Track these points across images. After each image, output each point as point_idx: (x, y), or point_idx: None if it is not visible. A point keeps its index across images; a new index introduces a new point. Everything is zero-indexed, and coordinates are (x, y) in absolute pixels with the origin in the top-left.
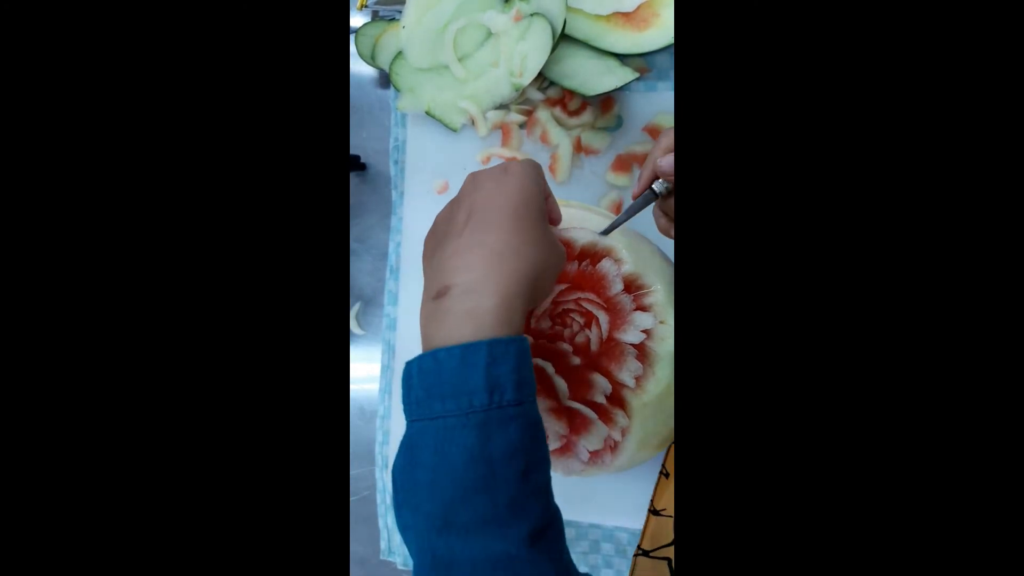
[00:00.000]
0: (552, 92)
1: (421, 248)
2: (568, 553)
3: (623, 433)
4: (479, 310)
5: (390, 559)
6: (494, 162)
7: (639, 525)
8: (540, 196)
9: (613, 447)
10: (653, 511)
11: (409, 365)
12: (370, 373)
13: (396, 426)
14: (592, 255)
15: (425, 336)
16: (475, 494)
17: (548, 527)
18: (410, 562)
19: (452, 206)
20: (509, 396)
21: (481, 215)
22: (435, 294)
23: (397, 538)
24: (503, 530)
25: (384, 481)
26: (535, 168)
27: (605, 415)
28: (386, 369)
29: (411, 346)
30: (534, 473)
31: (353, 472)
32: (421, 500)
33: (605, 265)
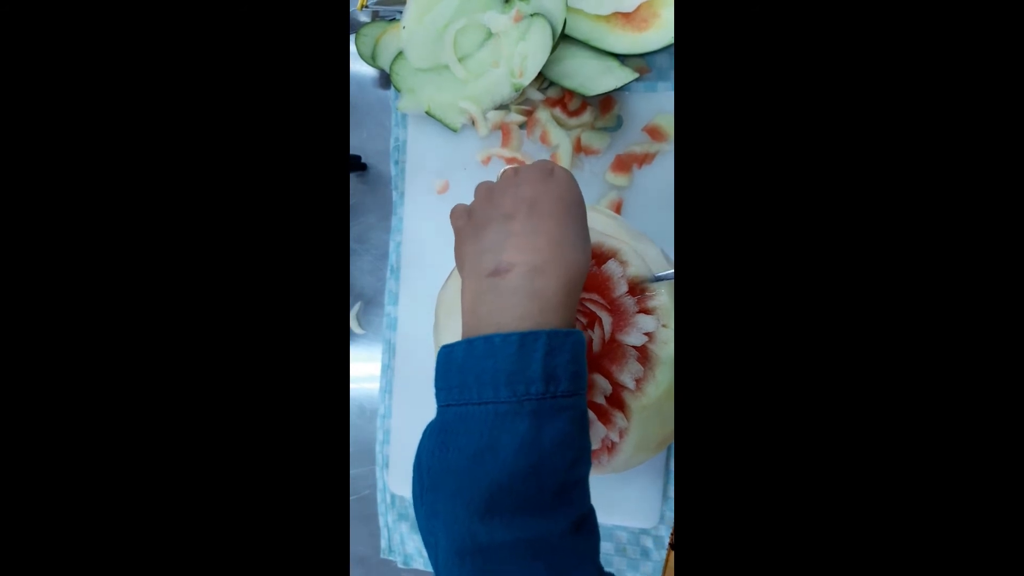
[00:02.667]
0: (552, 92)
1: (422, 248)
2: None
3: (621, 435)
4: (546, 291)
5: (390, 558)
6: (494, 162)
7: (639, 524)
8: (583, 199)
9: (610, 448)
10: (672, 546)
11: (451, 349)
12: (370, 372)
13: (396, 425)
14: (598, 256)
15: (475, 314)
16: (523, 481)
17: (587, 518)
18: (411, 561)
19: (491, 194)
20: (564, 387)
21: (538, 205)
22: (491, 271)
23: (397, 537)
24: (547, 518)
25: (384, 480)
26: (572, 175)
27: (604, 416)
28: (386, 368)
29: (412, 346)
30: (579, 464)
31: (353, 471)
32: (461, 485)
33: (610, 266)
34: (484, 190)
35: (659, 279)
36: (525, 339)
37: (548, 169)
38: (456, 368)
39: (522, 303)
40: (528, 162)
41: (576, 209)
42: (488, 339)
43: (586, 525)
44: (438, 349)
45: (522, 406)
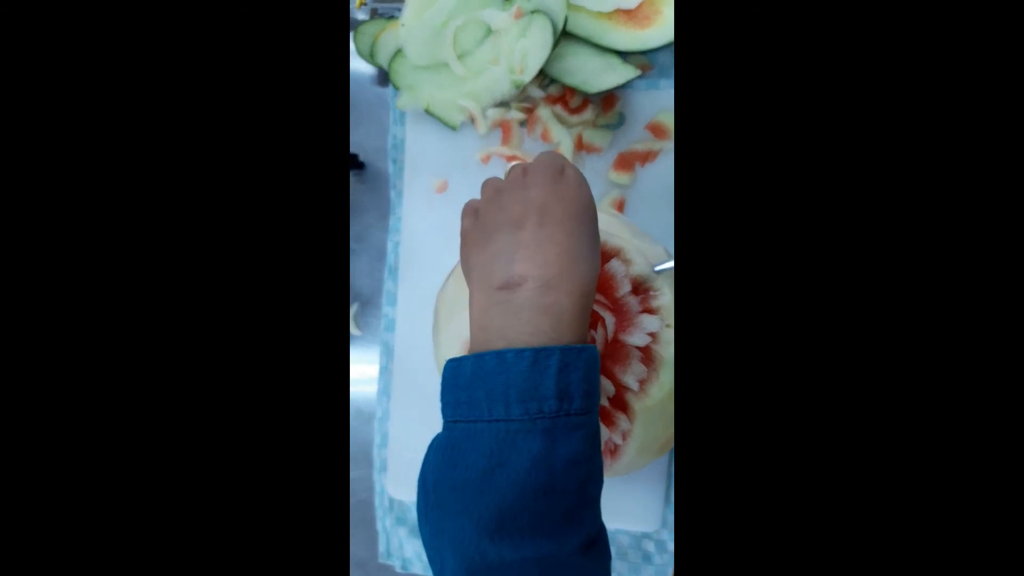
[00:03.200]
0: (553, 89)
1: (420, 248)
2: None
3: (624, 437)
4: (559, 306)
5: (388, 562)
6: (494, 161)
7: (640, 528)
8: (593, 201)
9: (613, 451)
10: None
11: (459, 364)
12: (367, 375)
13: (394, 429)
14: (601, 255)
15: (484, 328)
16: (533, 501)
17: (598, 537)
18: (410, 565)
19: (499, 196)
20: (577, 404)
21: (548, 213)
22: (501, 284)
23: (396, 541)
24: (557, 538)
25: (382, 484)
26: (582, 175)
27: (607, 418)
28: (384, 371)
29: (410, 348)
30: (591, 484)
31: (350, 475)
32: (469, 503)
33: (613, 265)
34: (491, 190)
35: (659, 271)
36: (538, 355)
37: (558, 168)
38: (465, 383)
39: (533, 319)
40: (529, 160)
41: (586, 215)
42: (500, 354)
43: (596, 545)
44: (437, 351)
45: (535, 424)
